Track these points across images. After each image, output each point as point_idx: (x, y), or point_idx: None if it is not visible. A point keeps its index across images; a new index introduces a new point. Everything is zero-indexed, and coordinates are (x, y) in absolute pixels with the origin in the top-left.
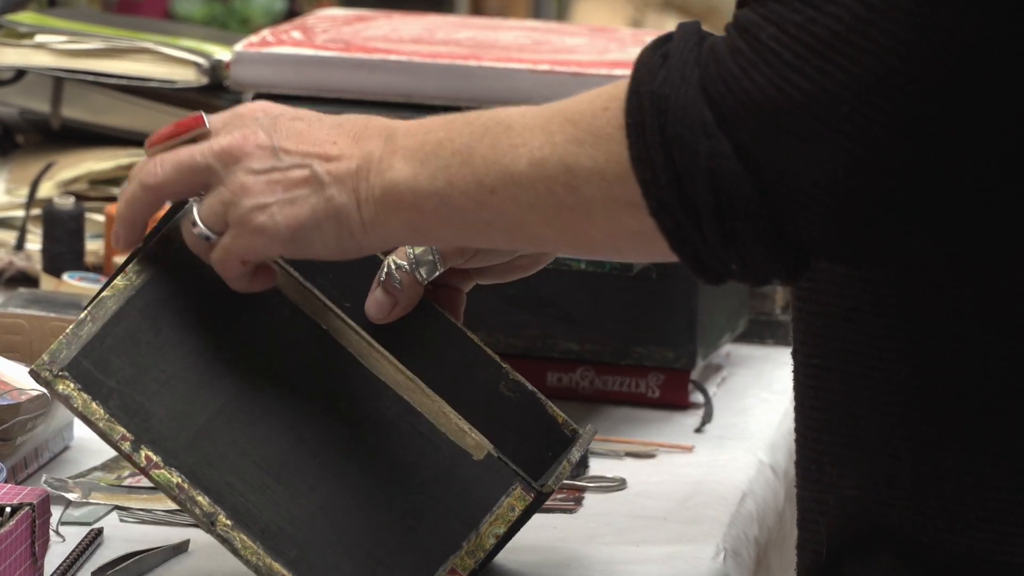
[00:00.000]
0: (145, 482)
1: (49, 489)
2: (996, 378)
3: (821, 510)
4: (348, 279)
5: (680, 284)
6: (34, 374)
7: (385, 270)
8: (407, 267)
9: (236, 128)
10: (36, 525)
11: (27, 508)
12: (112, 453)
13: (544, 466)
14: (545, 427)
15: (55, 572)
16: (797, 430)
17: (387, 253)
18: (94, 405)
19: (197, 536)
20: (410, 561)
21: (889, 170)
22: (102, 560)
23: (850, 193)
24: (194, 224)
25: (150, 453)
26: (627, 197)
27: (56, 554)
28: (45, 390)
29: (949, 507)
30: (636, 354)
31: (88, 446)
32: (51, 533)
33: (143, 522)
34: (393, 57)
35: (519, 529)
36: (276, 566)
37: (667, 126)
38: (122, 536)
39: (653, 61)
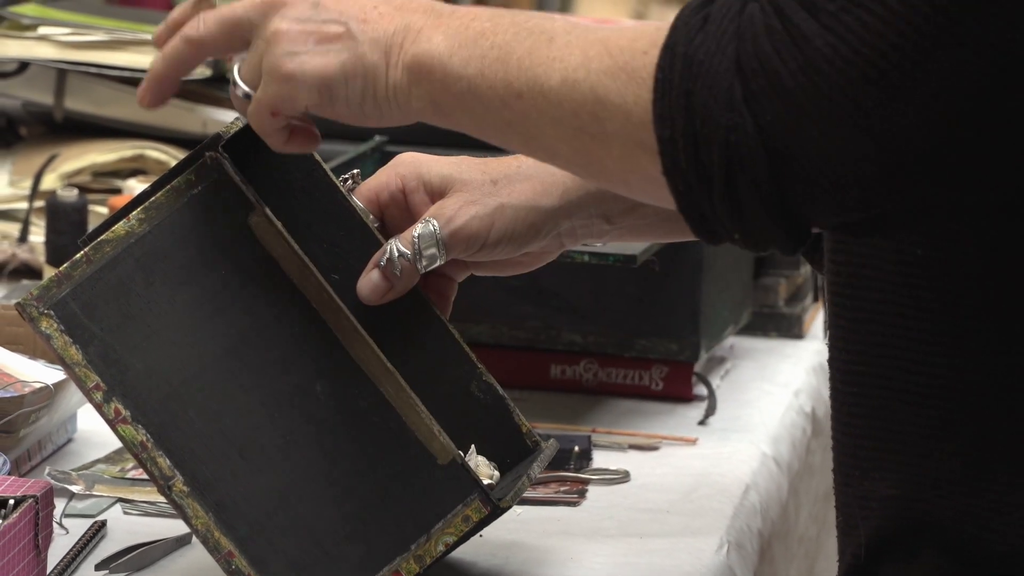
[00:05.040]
0: None
1: (53, 481)
2: None
3: (863, 514)
4: (342, 250)
5: (684, 276)
6: (20, 307)
7: (387, 255)
8: (409, 255)
9: None
10: (40, 517)
11: (31, 500)
12: (115, 445)
13: (500, 471)
14: (508, 434)
15: (58, 564)
16: (836, 436)
17: (388, 237)
18: (73, 349)
19: None
20: (357, 556)
21: (911, 166)
22: (105, 552)
23: (866, 185)
24: (235, 84)
25: (120, 406)
26: (648, 143)
27: (60, 546)
28: (29, 325)
29: (994, 505)
30: (640, 346)
31: (92, 438)
32: (55, 525)
33: (146, 514)
34: None
35: (468, 539)
36: (224, 541)
37: (695, 92)
38: (125, 528)
39: (693, 22)
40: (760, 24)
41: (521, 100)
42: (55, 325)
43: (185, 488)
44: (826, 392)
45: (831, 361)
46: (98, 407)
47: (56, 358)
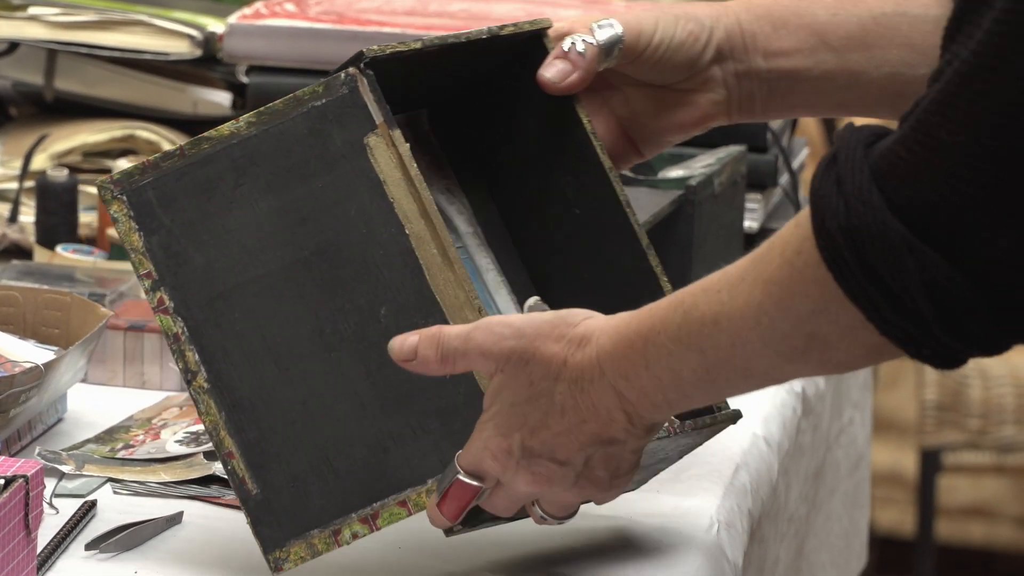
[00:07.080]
0: (138, 455)
1: (43, 461)
2: None
3: None
4: (574, 190)
5: (673, 256)
6: (100, 187)
7: (568, 42)
8: (590, 39)
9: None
10: (30, 497)
11: (20, 480)
12: (105, 425)
13: None
14: None
15: (49, 544)
16: None
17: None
18: (135, 236)
19: (191, 507)
20: (365, 479)
21: None
22: (96, 532)
23: None
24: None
25: (165, 296)
26: (855, 321)
27: (50, 526)
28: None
29: None
30: None
31: (82, 419)
32: (45, 505)
33: (136, 494)
34: (387, 29)
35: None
36: (228, 441)
37: (867, 257)
38: (116, 508)
39: (828, 189)
40: (896, 159)
41: (749, 380)
42: (124, 210)
43: (205, 385)
44: None
45: None
46: (145, 292)
47: (121, 239)
